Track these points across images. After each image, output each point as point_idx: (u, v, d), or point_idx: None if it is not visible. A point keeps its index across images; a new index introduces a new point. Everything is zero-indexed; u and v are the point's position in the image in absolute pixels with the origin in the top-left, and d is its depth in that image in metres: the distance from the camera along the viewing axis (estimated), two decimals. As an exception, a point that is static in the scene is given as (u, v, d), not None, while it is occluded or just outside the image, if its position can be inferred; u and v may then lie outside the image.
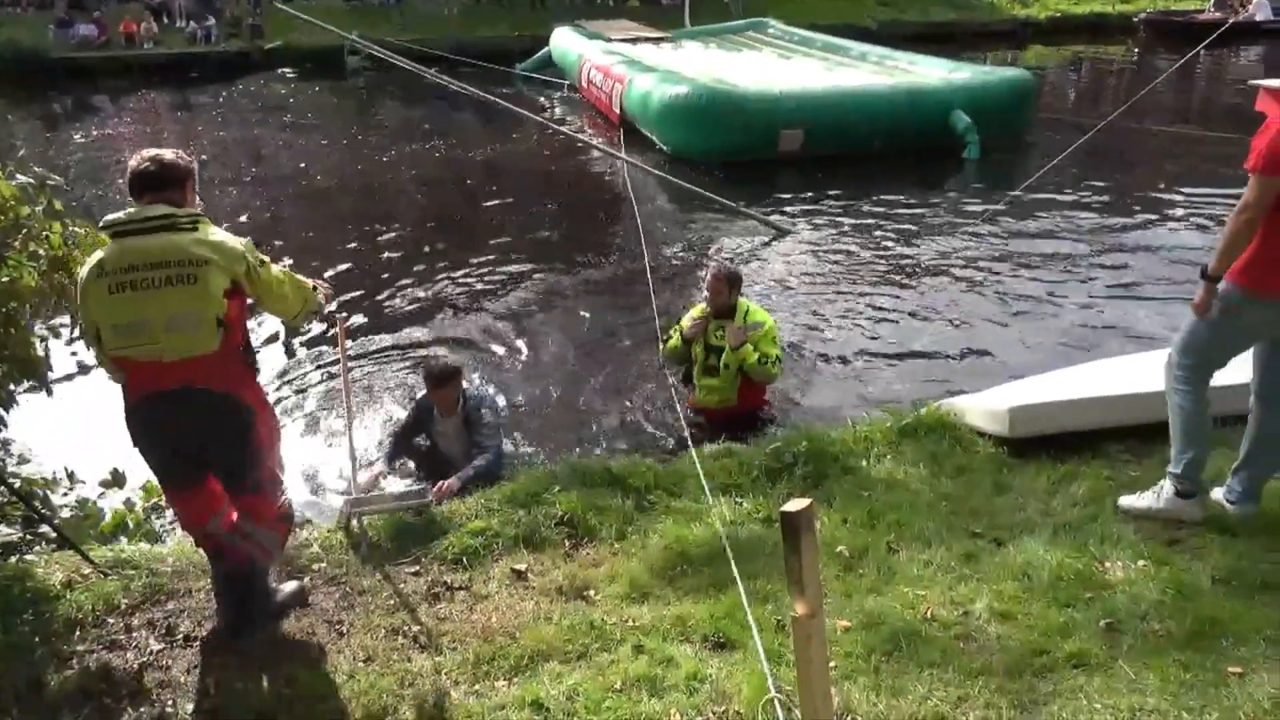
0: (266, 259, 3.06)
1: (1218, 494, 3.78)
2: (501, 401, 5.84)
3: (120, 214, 2.89)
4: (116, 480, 4.57)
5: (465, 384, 5.19)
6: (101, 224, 2.92)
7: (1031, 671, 2.90)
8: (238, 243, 2.96)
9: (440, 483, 4.54)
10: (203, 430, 2.98)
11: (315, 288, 3.36)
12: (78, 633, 3.22)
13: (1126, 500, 3.82)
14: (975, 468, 4.29)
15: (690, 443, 4.58)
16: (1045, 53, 23.47)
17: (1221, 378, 3.66)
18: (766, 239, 9.09)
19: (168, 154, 3.01)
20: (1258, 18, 22.55)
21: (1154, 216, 9.51)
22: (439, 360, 5.33)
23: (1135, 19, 24.56)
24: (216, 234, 2.94)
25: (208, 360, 2.88)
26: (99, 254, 2.88)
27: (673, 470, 4.39)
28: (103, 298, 2.82)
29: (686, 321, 5.31)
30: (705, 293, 5.33)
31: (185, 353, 2.85)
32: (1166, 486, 3.70)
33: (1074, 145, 10.02)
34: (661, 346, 5.54)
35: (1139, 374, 4.56)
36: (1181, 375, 3.60)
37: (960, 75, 13.14)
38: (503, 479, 4.45)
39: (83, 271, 2.90)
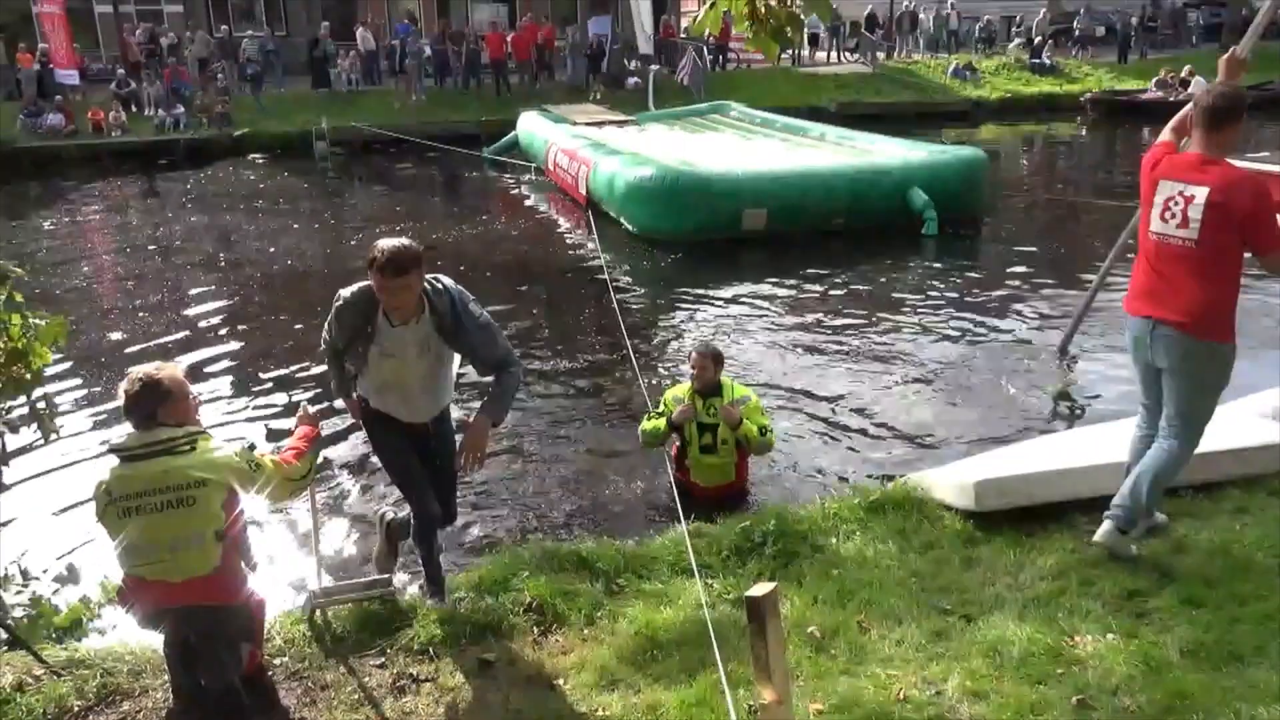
0: (261, 460, 3.20)
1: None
2: None
3: (126, 439, 3.05)
4: (71, 576, 4.46)
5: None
6: (110, 447, 3.09)
7: (1005, 752, 2.88)
8: (231, 454, 3.10)
9: (460, 450, 3.65)
10: (206, 634, 3.11)
11: (307, 474, 3.42)
12: (27, 739, 3.11)
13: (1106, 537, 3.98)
14: (943, 543, 4.30)
15: (682, 518, 4.51)
16: (998, 131, 24.21)
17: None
18: (737, 318, 9.19)
19: (151, 370, 3.10)
20: (1197, 97, 23.56)
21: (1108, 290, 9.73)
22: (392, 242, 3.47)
23: (1082, 98, 25.40)
24: (213, 450, 3.07)
25: (211, 577, 3.05)
26: (107, 477, 3.02)
27: (642, 552, 4.35)
28: (115, 522, 2.99)
29: (672, 403, 5.32)
30: (691, 371, 5.39)
31: (191, 572, 3.01)
32: (1108, 524, 3.95)
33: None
34: (643, 426, 5.40)
35: (1103, 445, 4.62)
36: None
37: (917, 154, 13.50)
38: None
39: (99, 496, 3.03)
